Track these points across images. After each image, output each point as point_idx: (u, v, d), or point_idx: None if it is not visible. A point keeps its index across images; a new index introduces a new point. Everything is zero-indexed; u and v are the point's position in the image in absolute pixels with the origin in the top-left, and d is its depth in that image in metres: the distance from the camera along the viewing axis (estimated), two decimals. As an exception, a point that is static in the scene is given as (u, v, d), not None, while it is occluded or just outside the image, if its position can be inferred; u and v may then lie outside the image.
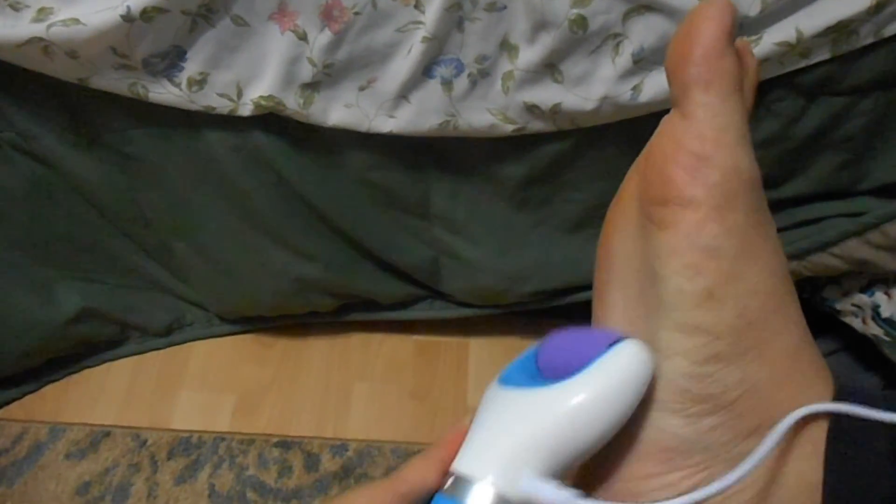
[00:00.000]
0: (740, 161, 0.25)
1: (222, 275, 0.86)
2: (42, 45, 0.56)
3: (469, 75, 0.61)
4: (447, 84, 0.62)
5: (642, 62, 0.59)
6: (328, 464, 0.86)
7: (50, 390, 0.95)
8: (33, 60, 0.59)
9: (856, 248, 0.69)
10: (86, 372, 0.96)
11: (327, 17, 0.57)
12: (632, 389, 0.24)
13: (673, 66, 0.26)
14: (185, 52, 0.60)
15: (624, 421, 0.25)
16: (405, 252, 0.83)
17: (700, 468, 0.25)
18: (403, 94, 0.62)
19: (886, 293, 0.73)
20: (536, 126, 0.64)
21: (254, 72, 0.61)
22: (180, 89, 0.61)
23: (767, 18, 0.56)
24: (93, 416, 0.92)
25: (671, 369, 0.25)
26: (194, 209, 0.77)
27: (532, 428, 0.24)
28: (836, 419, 0.25)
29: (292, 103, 0.63)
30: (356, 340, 0.98)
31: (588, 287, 0.31)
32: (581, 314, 0.32)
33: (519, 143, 0.68)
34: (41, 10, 0.55)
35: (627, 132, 0.65)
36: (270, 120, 0.66)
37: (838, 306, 0.79)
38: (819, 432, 0.24)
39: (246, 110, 0.64)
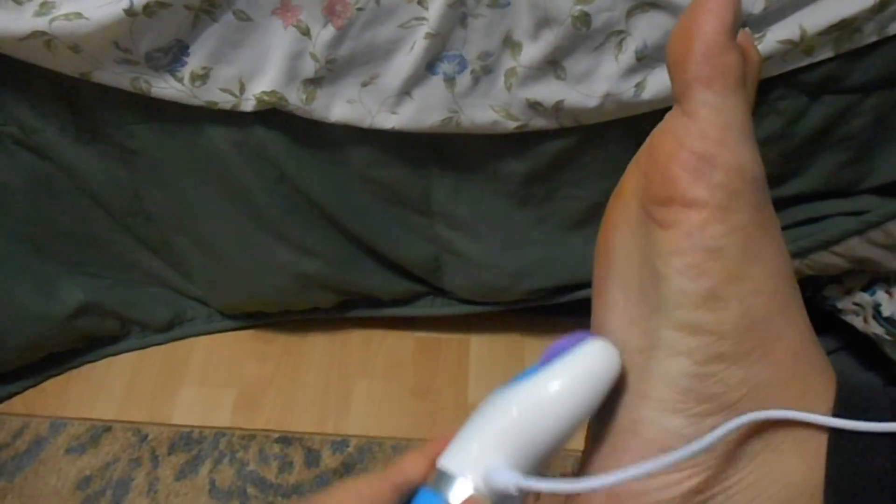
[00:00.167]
0: (744, 160, 0.24)
1: (223, 270, 0.86)
2: (44, 40, 0.56)
3: (472, 72, 0.61)
4: (450, 80, 0.62)
5: (646, 59, 0.59)
6: (329, 460, 0.86)
7: (51, 385, 0.95)
8: (35, 54, 0.59)
9: (857, 247, 0.69)
10: (87, 367, 0.96)
11: (330, 12, 0.57)
12: (593, 383, 0.25)
13: (674, 62, 0.25)
14: (187, 47, 0.59)
15: (588, 413, 0.26)
16: (406, 248, 0.83)
17: (702, 468, 0.24)
18: (406, 91, 0.62)
19: (888, 292, 0.73)
20: (539, 123, 0.64)
21: (256, 67, 0.61)
22: (183, 84, 0.61)
23: (771, 16, 0.56)
24: (93, 411, 0.92)
25: (674, 369, 0.25)
26: (196, 204, 0.77)
27: (502, 421, 0.26)
28: (837, 416, 0.24)
29: (295, 99, 0.63)
30: (357, 337, 0.98)
31: (590, 284, 0.31)
32: (583, 311, 0.32)
33: (521, 140, 0.68)
34: (43, 4, 0.55)
35: (630, 130, 0.65)
36: (273, 115, 0.66)
37: (839, 305, 0.79)
38: (820, 433, 0.24)
39: (248, 105, 0.63)
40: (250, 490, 0.85)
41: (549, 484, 0.25)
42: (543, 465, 0.26)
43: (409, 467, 0.27)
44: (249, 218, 0.77)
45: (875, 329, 0.74)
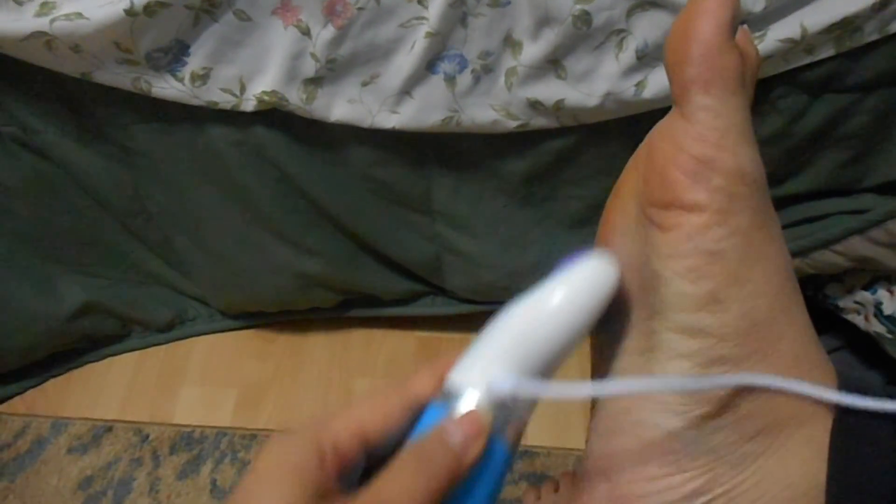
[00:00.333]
0: (744, 163, 0.24)
1: (224, 270, 0.86)
2: (45, 40, 0.56)
3: (472, 71, 0.61)
4: (450, 80, 0.62)
5: (646, 58, 0.59)
6: (330, 459, 0.87)
7: (52, 385, 0.95)
8: (36, 55, 0.59)
9: (859, 246, 0.69)
10: (88, 367, 0.96)
11: (330, 12, 0.57)
12: (592, 293, 0.26)
13: (671, 65, 0.25)
14: (188, 47, 0.59)
15: (589, 323, 0.26)
16: (407, 248, 0.83)
17: (704, 470, 0.24)
18: (406, 90, 0.62)
19: (889, 290, 0.73)
20: (539, 122, 0.64)
21: (257, 67, 0.61)
22: (183, 84, 0.61)
23: (772, 15, 0.56)
24: (95, 411, 0.92)
25: (674, 371, 0.25)
26: (196, 204, 0.77)
27: (506, 335, 0.27)
28: (839, 418, 0.24)
29: (295, 99, 0.63)
30: (358, 336, 0.98)
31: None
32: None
33: (522, 140, 0.68)
34: (44, 5, 0.55)
35: (631, 129, 0.65)
36: (273, 115, 0.65)
37: (841, 303, 0.79)
38: (823, 433, 0.24)
39: (249, 105, 0.63)
40: (252, 490, 0.85)
41: (546, 387, 0.26)
42: (547, 377, 0.27)
43: (419, 384, 0.28)
44: (250, 217, 0.77)
45: (876, 327, 0.74)
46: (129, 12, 0.55)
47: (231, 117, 0.65)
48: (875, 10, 0.55)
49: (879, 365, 0.83)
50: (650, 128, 0.27)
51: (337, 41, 0.59)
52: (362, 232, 0.80)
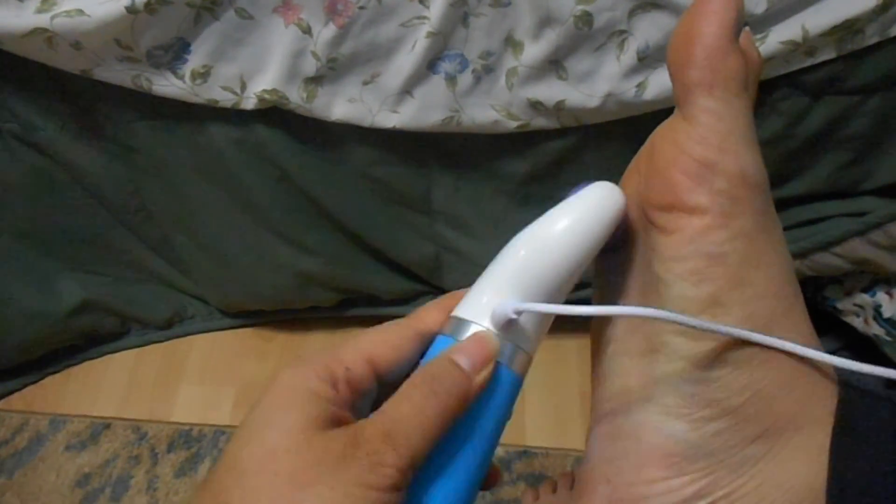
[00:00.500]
0: (746, 165, 0.24)
1: (223, 268, 0.86)
2: (46, 36, 0.56)
3: (473, 71, 0.61)
4: (451, 80, 0.61)
5: (647, 59, 0.59)
6: (328, 458, 0.86)
7: (50, 382, 0.95)
8: (37, 51, 0.59)
9: (858, 248, 0.69)
10: (86, 364, 0.96)
11: (331, 11, 0.57)
12: (596, 218, 0.26)
13: (674, 67, 0.24)
14: (189, 45, 0.59)
15: (593, 248, 0.26)
16: (406, 247, 0.83)
17: (704, 473, 0.24)
18: (407, 90, 0.62)
19: (888, 293, 0.73)
20: (540, 123, 0.64)
21: (257, 65, 0.61)
22: (184, 82, 0.61)
23: (773, 16, 0.56)
24: (93, 409, 0.92)
25: (676, 373, 0.25)
26: (196, 202, 0.77)
27: (512, 264, 0.27)
28: (839, 420, 0.24)
29: (295, 97, 0.63)
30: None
31: (588, 284, 0.31)
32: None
33: (522, 140, 0.68)
34: (45, 1, 0.55)
35: (631, 130, 0.65)
36: (273, 114, 0.65)
37: (840, 306, 0.79)
38: (823, 437, 0.24)
39: (249, 104, 0.63)
40: (249, 488, 0.85)
41: (547, 307, 0.26)
42: (554, 302, 0.27)
43: (427, 317, 0.28)
44: (250, 216, 0.77)
45: (875, 330, 0.74)
46: (131, 9, 0.55)
47: (231, 115, 0.65)
48: (876, 12, 0.55)
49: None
50: (651, 129, 0.27)
51: (338, 40, 0.59)
52: (362, 231, 0.80)
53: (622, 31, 0.57)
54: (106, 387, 0.94)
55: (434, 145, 0.70)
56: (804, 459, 0.24)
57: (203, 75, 0.61)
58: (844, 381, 0.25)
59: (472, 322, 0.27)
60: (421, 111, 0.63)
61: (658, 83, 0.60)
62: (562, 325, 0.29)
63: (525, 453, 0.87)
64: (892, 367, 0.24)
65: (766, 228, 0.25)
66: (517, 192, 0.74)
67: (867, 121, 0.64)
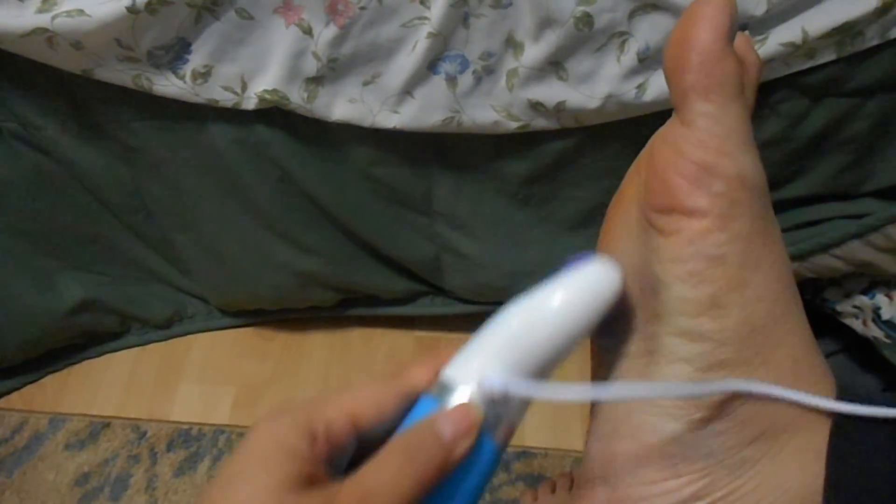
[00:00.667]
0: (744, 168, 0.24)
1: (223, 268, 0.86)
2: (46, 36, 0.56)
3: (474, 72, 0.61)
4: (452, 80, 0.62)
5: (647, 61, 0.59)
6: (327, 458, 0.87)
7: (50, 381, 0.95)
8: (37, 51, 0.59)
9: (857, 250, 0.69)
10: (86, 363, 0.96)
11: (332, 11, 0.57)
12: (592, 297, 0.26)
13: (670, 72, 0.25)
14: (189, 45, 0.59)
15: (588, 327, 0.26)
16: (407, 247, 0.83)
17: (702, 474, 0.24)
18: (408, 90, 0.62)
19: (887, 295, 0.73)
20: (540, 123, 0.64)
21: (258, 65, 0.61)
22: (184, 82, 0.61)
23: (773, 18, 0.56)
24: (93, 407, 0.92)
25: (674, 375, 0.25)
26: (197, 202, 0.77)
27: (504, 333, 0.27)
28: (837, 423, 0.24)
29: (296, 97, 0.63)
30: (357, 335, 0.98)
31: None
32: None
33: (522, 141, 0.68)
34: (46, 1, 0.55)
35: (631, 131, 0.65)
36: (274, 114, 0.66)
37: (839, 308, 0.79)
38: (821, 439, 0.24)
39: (250, 104, 0.63)
40: (249, 488, 0.85)
41: (540, 388, 0.26)
42: (543, 378, 0.27)
43: (415, 376, 0.28)
44: (250, 216, 0.78)
45: (874, 332, 0.74)
46: (131, 9, 0.55)
47: (232, 115, 0.65)
48: (877, 14, 0.55)
49: (876, 369, 0.83)
50: (651, 130, 0.27)
51: (338, 40, 0.59)
52: (362, 231, 0.80)
53: (622, 33, 0.57)
54: (105, 386, 0.94)
55: (434, 146, 0.70)
56: (802, 461, 0.24)
57: (204, 75, 0.61)
58: (842, 384, 0.25)
59: (457, 387, 0.26)
60: (421, 112, 0.64)
61: (658, 84, 0.60)
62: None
63: (524, 453, 0.87)
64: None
65: (764, 230, 0.25)
66: (517, 192, 0.74)
67: (867, 123, 0.65)
